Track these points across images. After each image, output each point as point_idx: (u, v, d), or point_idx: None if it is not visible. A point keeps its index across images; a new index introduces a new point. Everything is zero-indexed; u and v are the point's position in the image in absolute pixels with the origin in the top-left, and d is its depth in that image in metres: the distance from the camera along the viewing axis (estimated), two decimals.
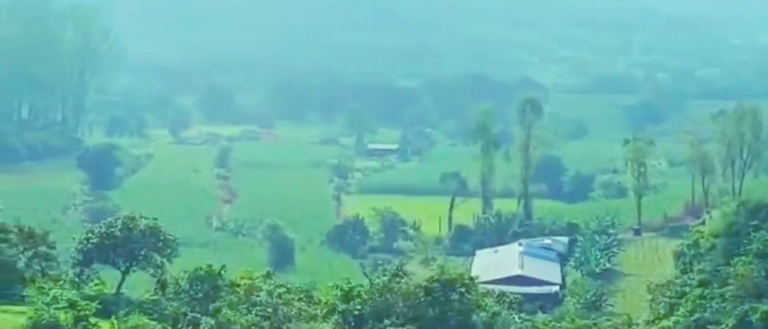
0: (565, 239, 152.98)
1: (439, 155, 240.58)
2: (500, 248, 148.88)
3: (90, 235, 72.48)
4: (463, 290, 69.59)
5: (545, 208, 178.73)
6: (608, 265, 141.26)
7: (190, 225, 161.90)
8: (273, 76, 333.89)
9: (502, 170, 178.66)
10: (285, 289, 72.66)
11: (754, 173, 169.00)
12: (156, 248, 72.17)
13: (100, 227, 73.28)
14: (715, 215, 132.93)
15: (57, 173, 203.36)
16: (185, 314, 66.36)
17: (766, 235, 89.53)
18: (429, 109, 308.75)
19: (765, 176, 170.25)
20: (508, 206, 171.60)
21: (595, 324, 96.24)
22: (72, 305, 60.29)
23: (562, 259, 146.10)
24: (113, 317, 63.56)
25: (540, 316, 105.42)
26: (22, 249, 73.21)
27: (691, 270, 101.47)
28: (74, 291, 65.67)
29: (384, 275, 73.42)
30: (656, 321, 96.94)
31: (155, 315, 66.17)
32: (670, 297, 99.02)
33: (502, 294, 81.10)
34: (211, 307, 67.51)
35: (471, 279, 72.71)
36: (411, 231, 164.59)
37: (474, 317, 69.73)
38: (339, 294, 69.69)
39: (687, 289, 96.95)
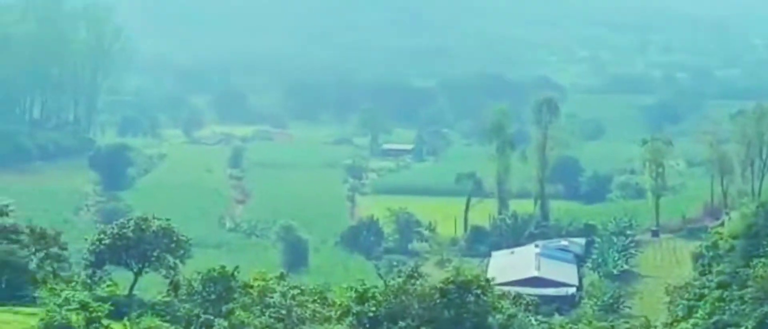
0: (582, 241, 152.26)
1: (454, 155, 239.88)
2: (516, 249, 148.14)
3: (102, 236, 72.19)
4: (478, 292, 68.94)
5: (562, 209, 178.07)
6: (626, 267, 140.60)
7: (203, 226, 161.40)
8: (287, 76, 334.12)
9: (519, 170, 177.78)
10: (299, 291, 72.19)
11: None
12: (169, 249, 71.79)
13: (113, 228, 72.93)
14: (734, 217, 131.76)
15: (69, 174, 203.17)
16: (198, 316, 66.02)
17: None
18: (444, 109, 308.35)
19: None
20: (525, 207, 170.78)
21: (612, 327, 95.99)
22: (84, 306, 60.09)
23: (579, 261, 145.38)
24: (125, 319, 63.31)
25: (557, 318, 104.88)
26: (33, 249, 73.11)
27: (710, 272, 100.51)
28: (86, 293, 65.54)
29: (399, 276, 72.66)
30: (674, 324, 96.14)
31: (168, 317, 65.84)
32: (689, 300, 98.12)
33: (519, 295, 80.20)
34: (224, 309, 67.13)
35: (487, 280, 72.04)
36: (426, 232, 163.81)
37: (490, 319, 69.16)
38: (353, 295, 69.10)
39: (706, 291, 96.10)
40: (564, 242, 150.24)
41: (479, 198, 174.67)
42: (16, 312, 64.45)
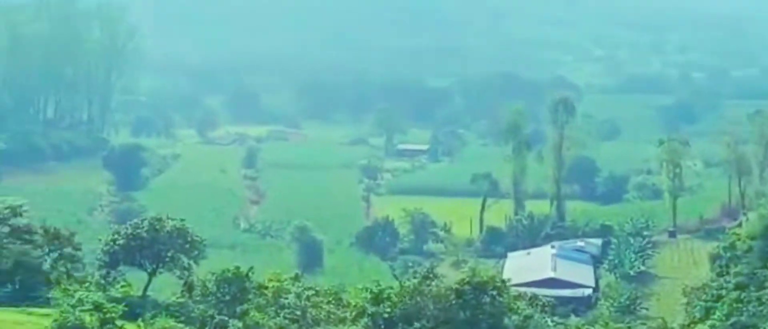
0: (599, 242, 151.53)
1: (470, 155, 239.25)
2: (532, 250, 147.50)
3: (116, 236, 72.45)
4: (494, 293, 68.61)
5: (578, 210, 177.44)
6: (643, 268, 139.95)
7: (217, 227, 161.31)
8: (301, 76, 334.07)
9: (535, 171, 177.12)
10: (313, 291, 72.15)
11: None
12: (183, 249, 71.85)
13: (127, 228, 73.11)
14: (752, 217, 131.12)
15: (83, 174, 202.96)
16: (212, 316, 65.88)
17: None
18: (460, 109, 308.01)
19: None
20: (541, 207, 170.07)
21: (629, 328, 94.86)
22: (98, 307, 59.95)
23: (596, 262, 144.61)
24: (139, 319, 63.29)
25: (573, 320, 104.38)
26: (47, 250, 73.44)
27: (728, 273, 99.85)
28: (100, 293, 65.44)
29: (414, 277, 72.35)
30: (692, 325, 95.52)
31: (182, 318, 65.67)
32: (706, 301, 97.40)
33: (535, 297, 79.75)
34: (238, 310, 67.06)
35: (503, 281, 71.76)
36: (441, 233, 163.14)
37: (506, 320, 68.86)
38: (368, 296, 68.66)
39: (723, 292, 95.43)
40: (580, 243, 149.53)
41: (495, 199, 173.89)
42: (30, 313, 64.49)
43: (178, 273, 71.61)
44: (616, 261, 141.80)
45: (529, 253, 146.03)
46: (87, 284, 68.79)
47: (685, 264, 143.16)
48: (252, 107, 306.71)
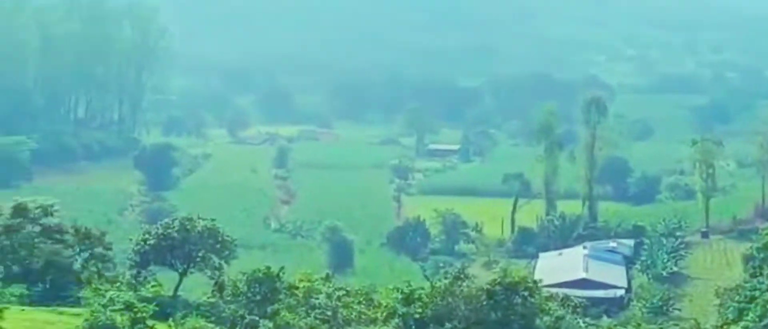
0: (631, 242, 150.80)
1: (501, 155, 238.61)
2: (564, 251, 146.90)
3: (147, 236, 72.55)
4: (526, 293, 68.08)
5: (610, 210, 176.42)
6: (675, 269, 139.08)
7: (248, 226, 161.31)
8: (332, 76, 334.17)
9: (567, 171, 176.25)
10: (344, 292, 71.78)
11: None
12: (214, 249, 71.84)
13: (157, 228, 73.20)
14: None
15: (113, 174, 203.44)
16: (243, 316, 65.69)
17: None
18: (491, 109, 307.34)
19: None
20: (573, 208, 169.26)
21: None
22: (129, 307, 59.73)
23: (628, 262, 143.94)
24: (170, 319, 63.27)
25: (605, 321, 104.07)
26: (78, 250, 73.52)
27: (761, 274, 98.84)
28: (131, 293, 65.34)
29: (445, 278, 71.83)
30: (725, 327, 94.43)
31: (213, 318, 65.60)
32: (739, 302, 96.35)
33: (567, 297, 79.11)
34: (269, 310, 66.72)
35: (534, 282, 71.07)
36: (473, 233, 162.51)
37: (537, 321, 68.29)
38: (399, 297, 68.27)
39: (757, 293, 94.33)
40: (612, 244, 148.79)
41: (527, 199, 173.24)
42: (61, 313, 64.41)
43: (208, 273, 71.62)
44: (649, 262, 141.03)
45: (560, 254, 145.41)
46: (118, 284, 68.65)
47: (718, 264, 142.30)
48: (283, 106, 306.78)
